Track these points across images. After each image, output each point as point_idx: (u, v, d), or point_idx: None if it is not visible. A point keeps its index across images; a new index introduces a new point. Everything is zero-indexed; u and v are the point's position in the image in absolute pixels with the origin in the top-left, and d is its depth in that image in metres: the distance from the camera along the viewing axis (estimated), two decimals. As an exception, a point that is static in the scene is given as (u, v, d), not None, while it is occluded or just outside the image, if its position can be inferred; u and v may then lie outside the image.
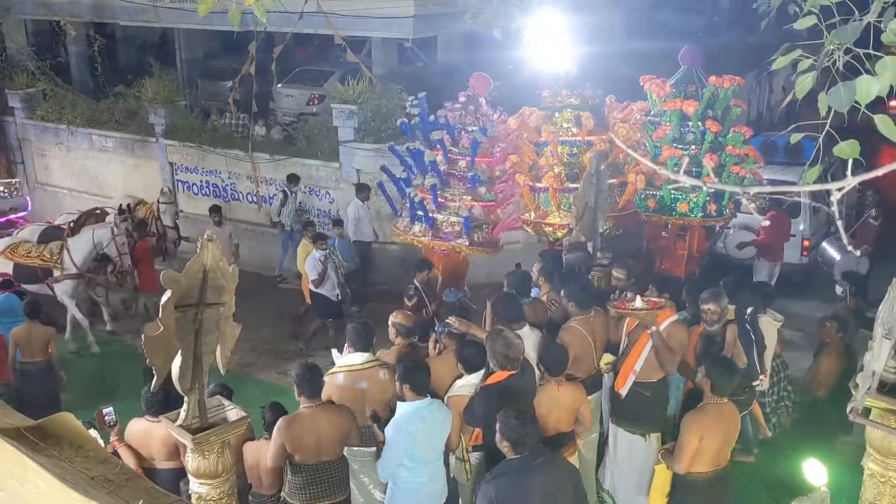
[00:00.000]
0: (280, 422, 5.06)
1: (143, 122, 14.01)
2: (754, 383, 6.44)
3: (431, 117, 8.51)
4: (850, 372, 5.69)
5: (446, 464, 5.40)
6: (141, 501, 1.80)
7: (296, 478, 5.12)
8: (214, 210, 11.49)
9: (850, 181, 2.00)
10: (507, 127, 8.68)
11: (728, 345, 6.26)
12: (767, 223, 10.04)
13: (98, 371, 9.82)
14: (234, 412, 4.21)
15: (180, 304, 3.77)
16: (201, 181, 13.74)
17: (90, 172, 15.16)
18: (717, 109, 8.45)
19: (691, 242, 8.86)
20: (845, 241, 2.96)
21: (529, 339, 5.79)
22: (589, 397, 5.92)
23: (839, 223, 2.27)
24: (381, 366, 5.58)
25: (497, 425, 4.52)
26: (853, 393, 3.65)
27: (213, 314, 3.91)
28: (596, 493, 6.53)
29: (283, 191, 12.04)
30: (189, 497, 4.16)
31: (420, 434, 4.97)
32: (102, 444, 4.60)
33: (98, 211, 10.81)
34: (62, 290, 10.03)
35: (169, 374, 3.91)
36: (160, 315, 3.74)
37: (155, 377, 3.91)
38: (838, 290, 8.73)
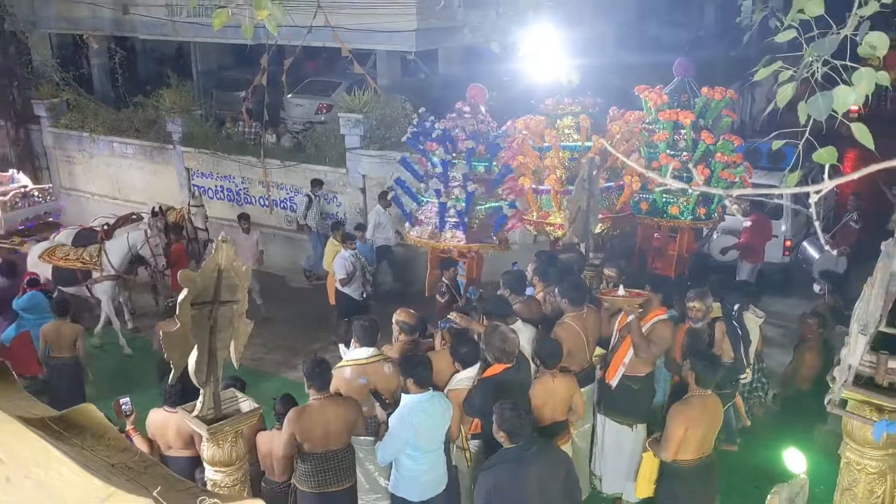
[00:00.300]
0: (290, 413, 5.07)
1: (161, 131, 14.02)
2: (741, 376, 6.44)
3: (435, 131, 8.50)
4: (829, 366, 5.69)
5: (447, 452, 5.41)
6: (159, 487, 1.80)
7: (305, 465, 5.12)
8: (243, 217, 11.28)
9: (828, 184, 2.00)
10: (514, 126, 8.72)
11: (717, 341, 6.27)
12: (749, 224, 10.07)
13: (120, 365, 9.83)
14: (246, 404, 4.21)
15: (196, 301, 3.78)
16: (216, 186, 13.74)
17: (111, 178, 15.17)
18: (709, 119, 8.47)
19: (681, 244, 8.88)
20: (822, 241, 2.96)
21: (523, 334, 5.80)
22: (582, 389, 5.94)
23: (817, 224, 2.27)
24: (386, 360, 5.58)
25: (494, 417, 4.53)
26: (831, 386, 3.65)
27: (228, 311, 3.91)
28: (589, 479, 6.55)
29: (308, 195, 11.92)
30: (204, 484, 4.16)
31: (422, 425, 4.98)
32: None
33: (134, 216, 10.72)
34: (101, 291, 9.99)
35: (186, 367, 3.91)
36: (177, 312, 3.74)
37: (172, 371, 3.92)
38: (816, 287, 8.73)
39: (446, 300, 7.88)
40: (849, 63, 2.52)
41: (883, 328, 3.72)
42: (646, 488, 5.75)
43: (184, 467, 5.35)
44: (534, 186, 8.53)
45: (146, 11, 15.59)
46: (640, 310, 6.06)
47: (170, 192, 14.16)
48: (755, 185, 9.29)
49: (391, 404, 5.28)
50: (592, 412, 6.49)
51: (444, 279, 8.16)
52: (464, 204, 8.37)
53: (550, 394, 5.47)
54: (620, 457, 6.29)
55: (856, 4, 2.57)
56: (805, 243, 10.70)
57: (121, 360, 9.96)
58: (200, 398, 4.02)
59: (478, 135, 8.46)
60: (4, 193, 11.88)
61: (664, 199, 8.61)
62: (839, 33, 2.56)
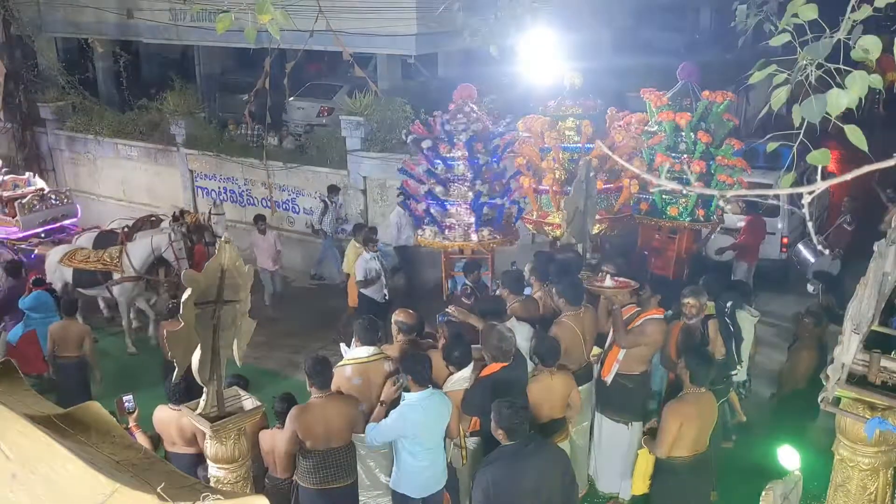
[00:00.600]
0: (293, 411, 5.07)
1: (165, 133, 14.01)
2: (731, 372, 6.44)
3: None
4: (824, 364, 5.69)
5: (445, 450, 5.41)
6: (163, 483, 1.80)
7: (307, 462, 5.12)
8: (259, 219, 11.23)
9: (821, 185, 2.00)
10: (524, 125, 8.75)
11: (711, 338, 6.28)
12: (742, 223, 10.09)
13: (125, 364, 9.84)
14: (249, 402, 4.22)
15: (200, 301, 3.78)
16: (219, 187, 13.74)
17: (116, 179, 15.17)
18: (710, 122, 8.47)
19: (680, 244, 8.87)
20: (815, 241, 2.96)
21: (519, 332, 5.81)
22: (580, 388, 5.94)
23: (810, 225, 2.27)
24: (386, 358, 5.58)
25: (492, 414, 4.53)
26: (824, 384, 3.65)
27: (230, 311, 3.92)
28: (586, 477, 6.55)
29: (324, 200, 11.73)
30: (206, 481, 4.16)
31: (421, 422, 4.98)
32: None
33: (153, 218, 10.67)
34: (120, 292, 9.95)
35: (189, 365, 3.91)
36: (181, 311, 3.74)
37: (176, 369, 3.92)
38: (810, 288, 8.72)
39: (472, 301, 7.84)
40: (842, 66, 2.52)
41: (875, 327, 3.73)
42: (641, 485, 5.75)
43: (186, 464, 5.35)
44: (534, 186, 8.56)
45: (150, 16, 15.59)
46: (632, 301, 6.10)
47: (174, 194, 14.16)
48: (753, 185, 9.31)
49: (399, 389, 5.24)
50: (591, 411, 6.51)
51: (467, 281, 8.10)
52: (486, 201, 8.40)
53: (549, 391, 5.48)
54: (616, 454, 6.30)
55: (849, 9, 2.57)
56: (800, 245, 10.71)
57: (127, 359, 9.96)
58: (204, 396, 4.03)
59: (478, 132, 8.47)
60: (23, 196, 11.84)
61: (664, 200, 8.61)
62: (833, 37, 2.56)
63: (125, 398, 5.69)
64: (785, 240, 10.90)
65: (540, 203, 8.71)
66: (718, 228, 9.48)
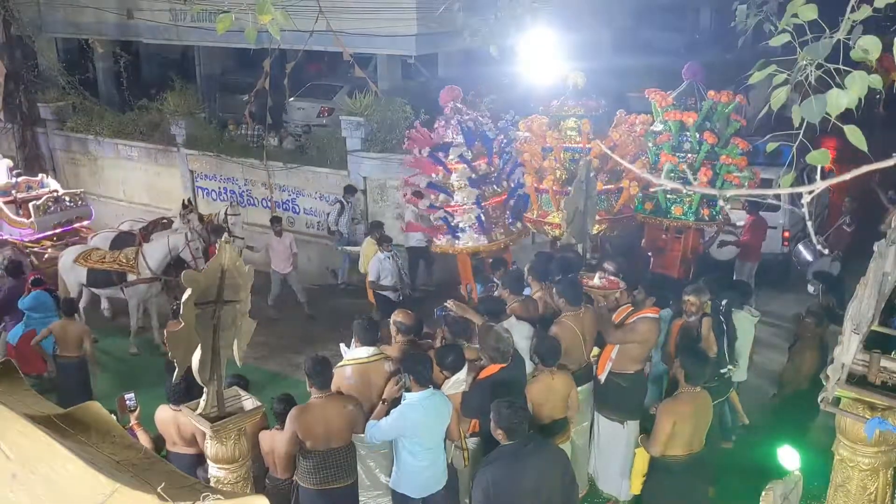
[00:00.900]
0: (293, 411, 5.07)
1: (166, 133, 14.01)
2: (722, 370, 6.42)
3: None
4: (824, 365, 5.69)
5: (445, 451, 5.40)
6: (163, 483, 1.80)
7: (307, 463, 5.11)
8: (275, 220, 11.22)
9: (820, 185, 2.00)
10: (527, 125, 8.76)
11: (703, 335, 6.28)
12: (743, 223, 10.08)
13: (127, 363, 9.86)
14: (249, 402, 4.22)
15: (200, 301, 3.78)
16: (219, 188, 13.74)
17: (116, 180, 15.17)
18: (716, 122, 8.45)
19: (686, 244, 8.86)
20: (814, 240, 2.96)
21: (517, 331, 5.81)
22: (580, 388, 5.95)
23: (810, 225, 2.27)
24: (386, 359, 5.57)
25: (491, 415, 4.54)
26: (824, 384, 3.65)
27: (231, 311, 3.92)
28: (587, 477, 6.55)
29: (340, 202, 11.69)
30: (206, 481, 4.16)
31: (421, 422, 4.98)
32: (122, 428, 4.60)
33: (164, 220, 10.65)
34: (135, 293, 9.90)
35: (190, 366, 3.91)
36: (181, 312, 3.74)
37: (176, 369, 3.92)
38: (810, 288, 8.72)
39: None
40: (842, 66, 2.52)
41: (875, 327, 3.73)
42: (639, 485, 5.76)
43: (186, 464, 5.35)
44: (535, 185, 8.56)
45: (150, 16, 15.59)
46: (627, 301, 6.11)
47: (174, 194, 14.16)
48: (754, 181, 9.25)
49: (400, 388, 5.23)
50: (591, 411, 6.50)
51: (495, 279, 8.09)
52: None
53: (550, 391, 5.48)
54: (614, 454, 6.30)
55: (849, 9, 2.57)
56: (799, 245, 10.71)
57: (130, 359, 9.98)
58: (204, 396, 4.02)
59: (474, 132, 8.46)
60: (37, 198, 11.83)
61: (668, 200, 8.59)
62: (832, 37, 2.56)
63: (127, 396, 5.70)
64: (786, 234, 10.94)
65: (540, 202, 8.72)
66: (725, 228, 9.48)
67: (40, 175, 12.96)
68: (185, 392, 5.15)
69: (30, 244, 11.48)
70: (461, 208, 8.44)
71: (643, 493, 5.70)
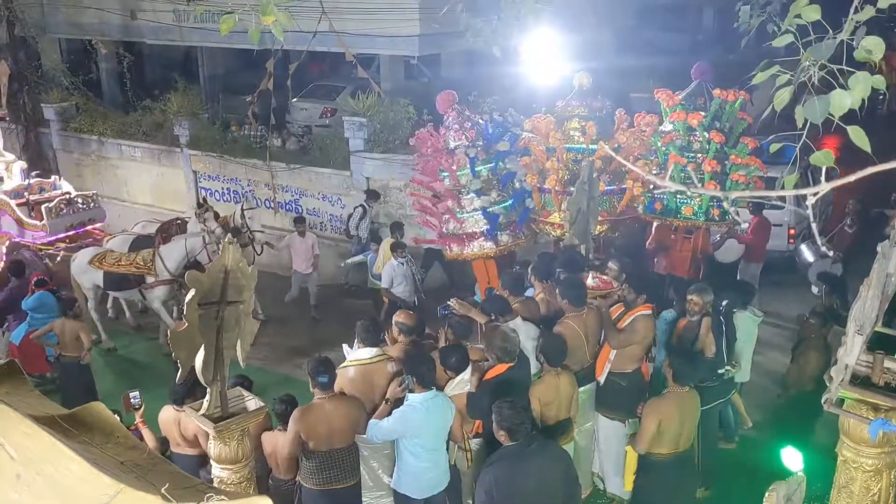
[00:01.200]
0: (296, 412, 5.07)
1: (169, 134, 14.02)
2: (720, 371, 6.41)
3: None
4: (828, 365, 5.68)
5: (447, 452, 5.40)
6: (167, 484, 1.80)
7: (310, 463, 5.12)
8: (299, 221, 11.15)
9: (824, 187, 2.00)
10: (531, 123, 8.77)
11: (701, 335, 6.27)
12: (747, 224, 10.05)
13: (131, 363, 9.91)
14: (253, 402, 4.22)
15: (203, 301, 3.79)
16: (223, 188, 13.76)
17: (120, 180, 15.18)
18: (725, 121, 8.43)
19: (696, 244, 8.84)
20: (818, 241, 2.96)
21: (522, 331, 5.81)
22: (582, 388, 5.95)
23: (814, 226, 2.27)
24: (389, 360, 5.58)
25: (493, 415, 4.53)
26: (828, 385, 3.64)
27: (234, 311, 3.92)
28: (591, 478, 6.55)
29: (363, 206, 11.51)
30: (210, 482, 4.16)
31: (424, 423, 4.98)
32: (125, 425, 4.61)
33: (179, 221, 10.57)
34: (155, 296, 9.81)
35: (193, 366, 3.92)
36: (185, 312, 3.75)
37: (180, 369, 3.93)
38: (814, 290, 8.70)
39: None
40: (845, 67, 2.52)
41: (879, 328, 3.73)
42: (632, 481, 5.79)
43: (188, 465, 5.34)
44: (538, 186, 8.56)
45: (154, 17, 15.59)
46: (618, 301, 6.12)
47: (177, 195, 14.18)
48: (759, 177, 9.21)
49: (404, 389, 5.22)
50: (594, 411, 6.50)
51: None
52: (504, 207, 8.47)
53: (556, 391, 5.48)
54: (615, 452, 6.30)
55: (852, 9, 2.57)
56: (802, 246, 10.68)
57: (136, 359, 10.00)
58: (207, 396, 4.03)
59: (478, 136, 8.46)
60: (49, 200, 11.81)
61: (678, 200, 8.56)
62: (836, 38, 2.56)
63: (132, 394, 5.71)
64: (792, 231, 10.92)
65: (543, 202, 8.71)
66: (734, 228, 9.45)
67: (53, 177, 12.93)
68: (188, 393, 5.16)
69: (43, 246, 11.46)
70: (467, 215, 8.44)
71: (633, 490, 5.74)
